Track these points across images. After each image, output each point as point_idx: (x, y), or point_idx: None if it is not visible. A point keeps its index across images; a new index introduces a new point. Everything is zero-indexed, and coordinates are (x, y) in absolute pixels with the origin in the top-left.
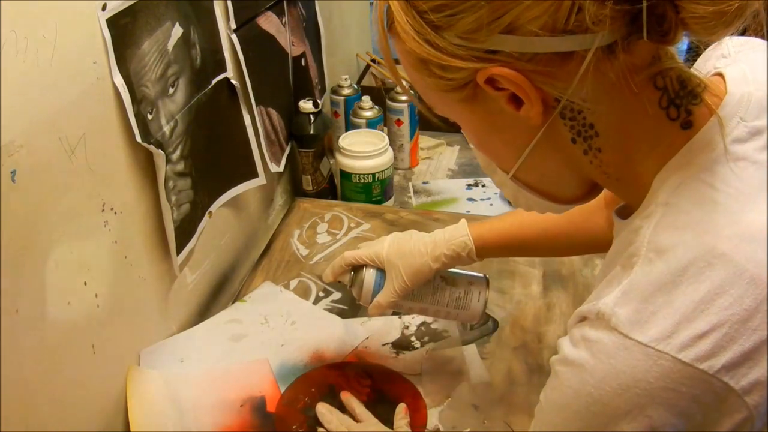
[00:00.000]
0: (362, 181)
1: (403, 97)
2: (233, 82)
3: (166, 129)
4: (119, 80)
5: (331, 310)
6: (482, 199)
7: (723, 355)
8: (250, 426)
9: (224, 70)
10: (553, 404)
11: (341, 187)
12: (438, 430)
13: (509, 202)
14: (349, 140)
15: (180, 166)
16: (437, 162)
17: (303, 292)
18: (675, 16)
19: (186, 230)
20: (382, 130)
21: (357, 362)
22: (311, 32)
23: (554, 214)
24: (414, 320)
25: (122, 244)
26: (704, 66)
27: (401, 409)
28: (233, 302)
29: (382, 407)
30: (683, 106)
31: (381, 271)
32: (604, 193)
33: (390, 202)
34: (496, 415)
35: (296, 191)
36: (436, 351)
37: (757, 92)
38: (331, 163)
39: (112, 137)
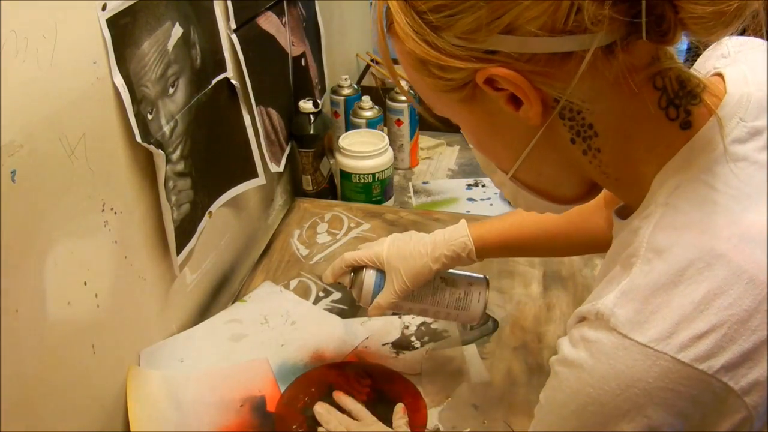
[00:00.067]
0: (362, 181)
1: (403, 97)
2: (233, 82)
3: (166, 129)
4: (119, 80)
5: (331, 310)
6: (482, 199)
7: (722, 355)
8: (250, 426)
9: (224, 70)
10: (552, 404)
11: (341, 187)
12: (438, 430)
13: (509, 202)
14: (349, 140)
15: (180, 166)
16: (437, 162)
17: (303, 292)
18: (674, 17)
19: (186, 230)
20: (382, 130)
21: (357, 362)
22: (311, 32)
23: (554, 214)
24: (414, 320)
25: (122, 244)
26: (704, 66)
27: (399, 409)
28: (233, 302)
29: (382, 407)
30: (682, 107)
31: (381, 272)
32: (604, 194)
33: (390, 202)
34: (496, 415)
35: (296, 191)
36: (436, 351)
37: (756, 92)
38: (331, 163)
39: (112, 137)
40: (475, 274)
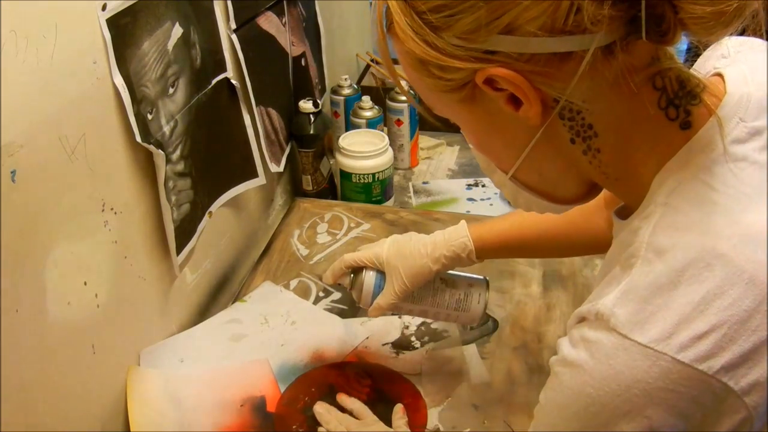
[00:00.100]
0: (362, 181)
1: (403, 97)
2: (233, 82)
3: (166, 129)
4: (119, 80)
5: (331, 310)
6: (482, 199)
7: (722, 355)
8: (250, 426)
9: (224, 70)
10: (552, 405)
11: (341, 187)
12: (438, 430)
13: (509, 203)
14: (349, 140)
15: (180, 166)
16: (437, 162)
17: (303, 292)
18: (674, 17)
19: (186, 230)
20: (382, 130)
21: (357, 362)
22: (311, 32)
23: (554, 214)
24: (414, 320)
25: (122, 244)
26: (704, 66)
27: (399, 409)
28: (233, 302)
29: (382, 407)
30: (682, 107)
31: (381, 273)
32: (604, 194)
33: (390, 202)
34: (496, 415)
35: (296, 191)
36: (436, 351)
37: (756, 92)
38: (331, 163)
39: (112, 137)
40: (475, 276)
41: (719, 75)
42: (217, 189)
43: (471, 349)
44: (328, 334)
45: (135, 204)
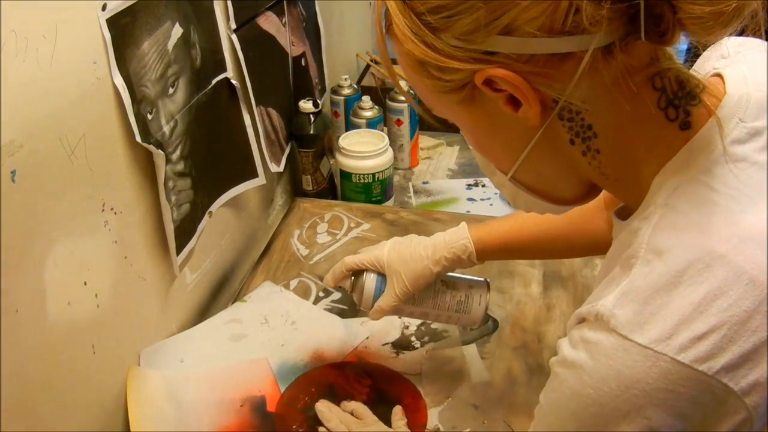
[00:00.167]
0: (362, 181)
1: (403, 97)
2: (233, 82)
3: (166, 129)
4: (119, 80)
5: (331, 310)
6: (482, 199)
7: (722, 356)
8: (250, 426)
9: (224, 70)
10: (552, 405)
11: (341, 187)
12: (438, 430)
13: (509, 203)
14: (349, 140)
15: (180, 166)
16: (437, 162)
17: (303, 292)
18: (672, 17)
19: (186, 230)
20: (382, 130)
21: (357, 362)
22: (311, 32)
23: (553, 215)
24: (414, 320)
25: (122, 244)
26: (703, 66)
27: (398, 411)
28: (233, 302)
29: (382, 407)
30: (682, 107)
31: (381, 275)
32: (604, 195)
33: (390, 202)
34: (496, 415)
35: (296, 191)
36: (436, 351)
37: (756, 93)
38: (331, 163)
39: (112, 137)
40: (475, 278)
41: (719, 75)
42: (217, 189)
43: (471, 349)
44: (328, 334)
45: (135, 204)
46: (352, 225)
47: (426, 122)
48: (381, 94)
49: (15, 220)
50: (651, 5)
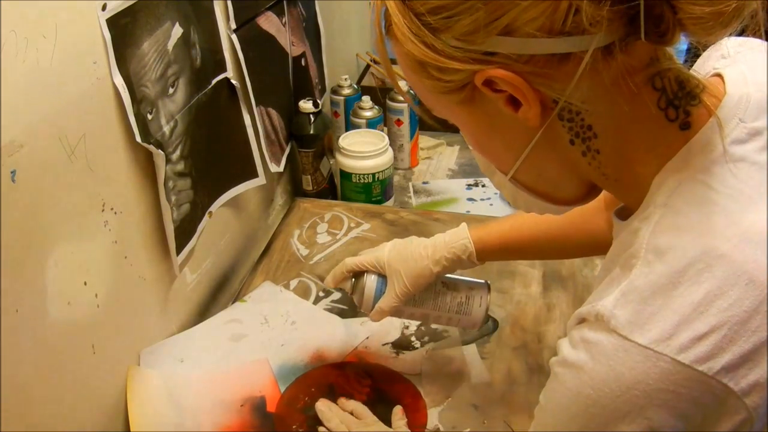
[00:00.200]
0: (362, 181)
1: (403, 98)
2: (233, 82)
3: (166, 129)
4: (119, 80)
5: (331, 310)
6: (482, 199)
7: (722, 356)
8: (250, 426)
9: (224, 70)
10: (552, 405)
11: (341, 187)
12: (438, 430)
13: (509, 203)
14: (349, 140)
15: (180, 166)
16: (437, 162)
17: (303, 292)
18: (672, 17)
19: (186, 230)
20: (382, 130)
21: (357, 362)
22: (311, 32)
23: (554, 215)
24: (414, 320)
25: (122, 244)
26: (703, 67)
27: (398, 410)
28: (233, 302)
29: (382, 407)
30: (682, 107)
31: (382, 276)
32: (604, 195)
33: (390, 202)
34: (496, 415)
35: (296, 191)
36: (436, 351)
37: (756, 93)
38: (331, 163)
39: (112, 137)
40: (476, 279)
41: (719, 75)
42: (217, 189)
43: (471, 349)
44: (328, 334)
45: (135, 204)
46: (352, 225)
47: (426, 122)
48: (381, 94)
49: (15, 220)
50: (651, 6)
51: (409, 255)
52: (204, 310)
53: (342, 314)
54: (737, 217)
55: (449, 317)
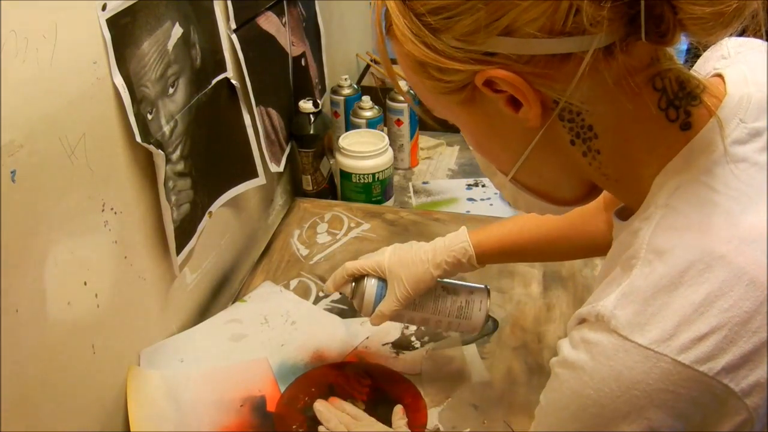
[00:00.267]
0: (362, 181)
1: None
2: (233, 82)
3: (166, 129)
4: (119, 80)
5: (331, 310)
6: (482, 199)
7: (723, 357)
8: (250, 426)
9: (224, 70)
10: (552, 406)
11: (341, 187)
12: (438, 430)
13: (509, 203)
14: (349, 140)
15: (180, 166)
16: (437, 162)
17: (303, 292)
18: (673, 17)
19: (186, 230)
20: (382, 130)
21: (357, 362)
22: (311, 32)
23: (554, 215)
24: None
25: (122, 244)
26: (704, 67)
27: (398, 410)
28: (233, 302)
29: (382, 407)
30: (682, 108)
31: (382, 280)
32: (604, 195)
33: (390, 202)
34: (496, 415)
35: (296, 191)
36: (436, 351)
37: (756, 93)
38: (331, 163)
39: (112, 137)
40: (475, 284)
41: (719, 76)
42: (217, 189)
43: (471, 349)
44: (328, 334)
45: (135, 204)
46: (352, 225)
47: (426, 122)
48: (381, 94)
49: (15, 220)
50: (651, 6)
51: (409, 259)
52: (204, 310)
53: (342, 314)
54: (738, 218)
55: (449, 321)
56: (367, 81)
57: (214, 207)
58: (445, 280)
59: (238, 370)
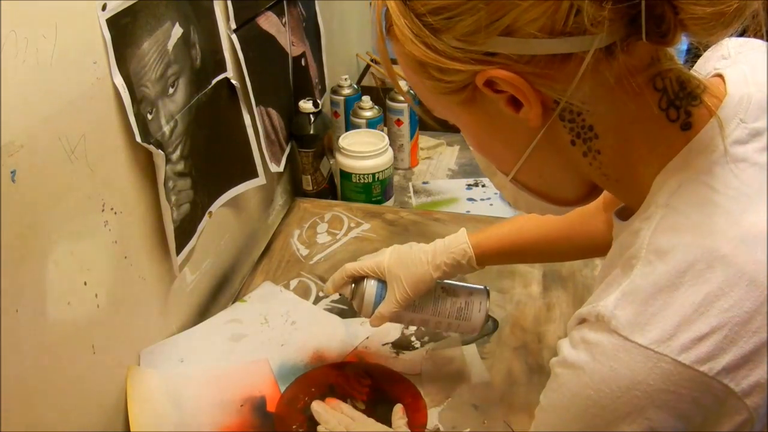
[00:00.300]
0: (362, 181)
1: (403, 97)
2: (233, 82)
3: (166, 129)
4: (119, 80)
5: (331, 310)
6: (482, 199)
7: (723, 357)
8: (250, 426)
9: (224, 70)
10: (553, 406)
11: (341, 187)
12: (438, 430)
13: (510, 204)
14: (349, 140)
15: (180, 166)
16: (437, 162)
17: (303, 292)
18: (674, 17)
19: (186, 230)
20: (382, 130)
21: (357, 362)
22: (311, 32)
23: (555, 215)
24: None
25: (122, 244)
26: (704, 67)
27: (398, 410)
28: (233, 302)
29: (382, 407)
30: (683, 108)
31: (382, 282)
32: (603, 195)
33: (390, 202)
34: (496, 415)
35: (296, 191)
36: (436, 351)
37: (757, 93)
38: (331, 163)
39: (112, 137)
40: (475, 285)
41: (720, 76)
42: (217, 189)
43: (471, 349)
44: (328, 334)
45: (135, 204)
46: (352, 225)
47: (426, 122)
48: (381, 94)
49: (15, 220)
50: (652, 6)
51: (409, 260)
52: (204, 310)
53: (342, 314)
54: (738, 218)
55: (449, 323)
56: (367, 81)
57: (214, 207)
58: (445, 281)
59: (239, 371)
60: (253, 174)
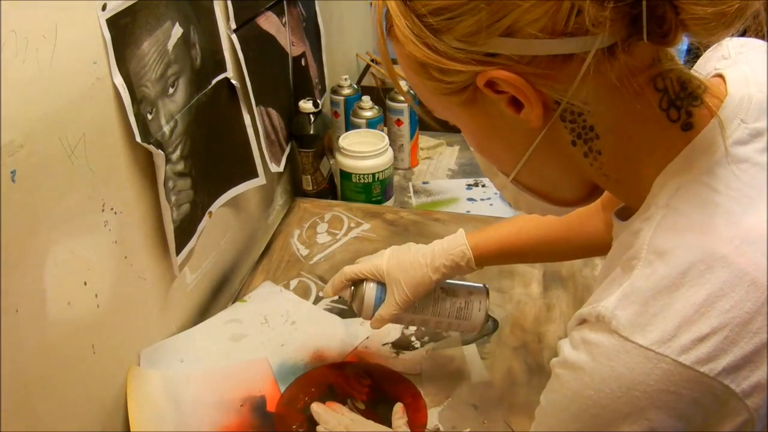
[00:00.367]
0: (362, 181)
1: (403, 98)
2: (233, 82)
3: (166, 129)
4: (119, 80)
5: (331, 310)
6: (482, 199)
7: (724, 358)
8: (250, 426)
9: (224, 70)
10: (553, 406)
11: (341, 187)
12: (438, 430)
13: (510, 204)
14: (349, 140)
15: (180, 166)
16: (437, 162)
17: (303, 292)
18: (675, 18)
19: (186, 230)
20: (382, 130)
21: (357, 362)
22: (311, 32)
23: (555, 216)
24: None
25: (122, 244)
26: (705, 67)
27: (398, 409)
28: (233, 302)
29: (382, 407)
30: (683, 108)
31: (381, 284)
32: (602, 196)
33: (390, 202)
34: (496, 415)
35: (296, 191)
36: (436, 351)
37: (757, 94)
38: (331, 163)
39: (112, 137)
40: (474, 284)
41: (720, 76)
42: (217, 189)
43: (471, 349)
44: (328, 334)
45: (135, 204)
46: (352, 225)
47: (426, 122)
48: (381, 94)
49: (15, 220)
50: (653, 6)
51: (408, 263)
52: (204, 310)
53: (342, 314)
54: (739, 218)
55: (449, 323)
56: (367, 81)
57: (214, 207)
58: (444, 281)
59: (238, 370)
60: (253, 174)
